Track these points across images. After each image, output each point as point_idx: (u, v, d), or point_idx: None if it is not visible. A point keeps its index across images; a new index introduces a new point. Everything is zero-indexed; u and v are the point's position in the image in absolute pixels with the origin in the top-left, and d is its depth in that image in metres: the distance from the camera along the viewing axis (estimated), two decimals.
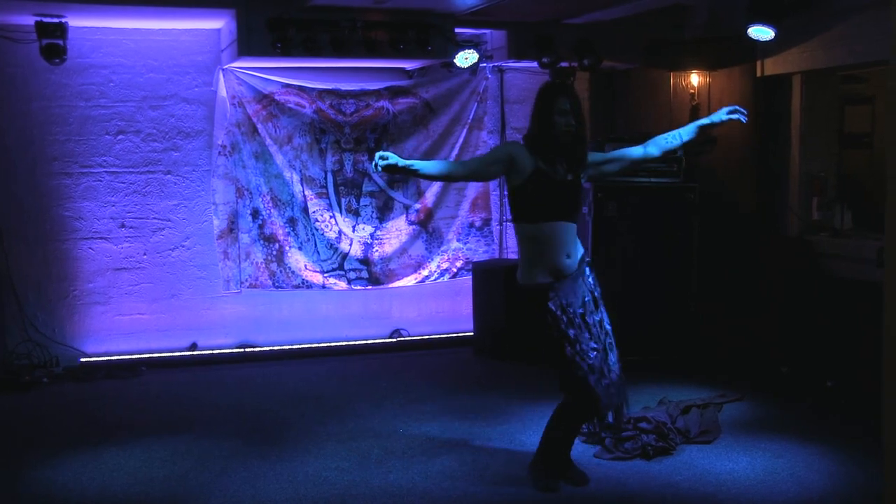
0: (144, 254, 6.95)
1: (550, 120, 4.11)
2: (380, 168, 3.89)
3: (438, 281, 7.57)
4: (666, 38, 7.09)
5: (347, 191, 7.26)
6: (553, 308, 4.07)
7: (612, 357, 4.18)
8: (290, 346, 7.19)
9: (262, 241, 7.05)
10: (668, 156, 4.60)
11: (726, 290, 6.66)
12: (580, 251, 4.22)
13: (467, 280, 7.45)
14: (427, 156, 7.41)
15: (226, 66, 6.79)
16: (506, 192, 4.34)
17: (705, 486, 4.34)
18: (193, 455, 4.82)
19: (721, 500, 4.18)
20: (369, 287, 7.37)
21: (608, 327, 4.24)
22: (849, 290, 5.81)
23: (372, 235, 7.33)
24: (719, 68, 6.95)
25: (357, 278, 7.31)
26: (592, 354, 4.07)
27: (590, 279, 4.21)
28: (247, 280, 7.03)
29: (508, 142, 4.22)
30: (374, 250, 7.33)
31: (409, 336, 7.56)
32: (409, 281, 7.48)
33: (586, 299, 4.14)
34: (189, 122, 6.97)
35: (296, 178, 7.09)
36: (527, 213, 4.16)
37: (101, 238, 6.84)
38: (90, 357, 6.76)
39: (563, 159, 4.15)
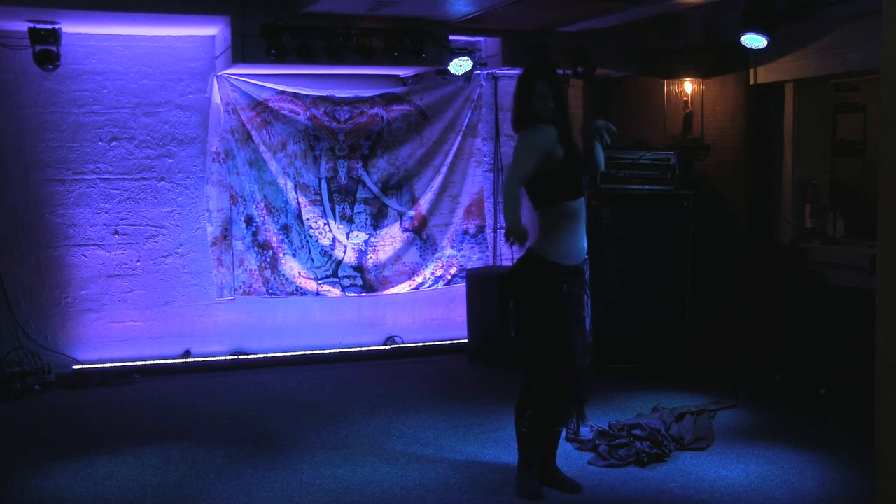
0: (138, 261, 6.93)
1: (530, 106, 4.15)
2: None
3: (432, 288, 7.57)
4: (660, 46, 7.12)
5: (341, 198, 7.25)
6: (566, 291, 4.12)
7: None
8: (284, 354, 7.17)
9: (255, 248, 7.04)
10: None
11: (721, 296, 6.68)
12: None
13: (461, 287, 7.45)
14: (420, 162, 7.43)
15: (220, 73, 6.78)
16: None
17: (699, 493, 4.34)
18: (187, 462, 4.81)
19: None
20: (363, 294, 7.36)
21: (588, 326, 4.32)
22: (842, 297, 5.83)
23: (366, 242, 7.33)
24: (713, 76, 6.98)
25: (351, 285, 7.30)
26: (579, 349, 4.14)
27: (586, 275, 4.26)
28: (240, 287, 7.02)
29: (538, 130, 4.15)
30: (368, 257, 7.33)
31: (404, 343, 7.55)
32: (404, 288, 7.47)
33: (582, 293, 4.21)
34: (183, 128, 6.96)
35: (290, 184, 7.09)
36: (566, 192, 4.15)
37: (94, 245, 6.82)
38: (83, 364, 6.73)
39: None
